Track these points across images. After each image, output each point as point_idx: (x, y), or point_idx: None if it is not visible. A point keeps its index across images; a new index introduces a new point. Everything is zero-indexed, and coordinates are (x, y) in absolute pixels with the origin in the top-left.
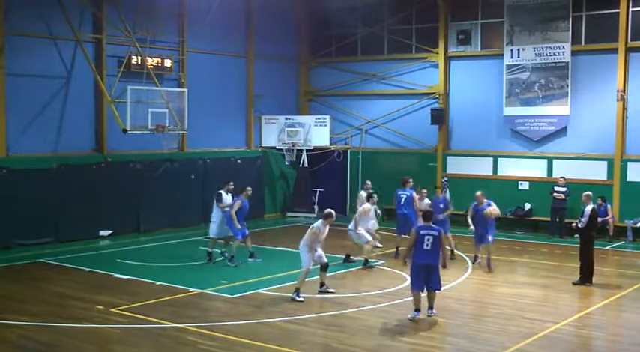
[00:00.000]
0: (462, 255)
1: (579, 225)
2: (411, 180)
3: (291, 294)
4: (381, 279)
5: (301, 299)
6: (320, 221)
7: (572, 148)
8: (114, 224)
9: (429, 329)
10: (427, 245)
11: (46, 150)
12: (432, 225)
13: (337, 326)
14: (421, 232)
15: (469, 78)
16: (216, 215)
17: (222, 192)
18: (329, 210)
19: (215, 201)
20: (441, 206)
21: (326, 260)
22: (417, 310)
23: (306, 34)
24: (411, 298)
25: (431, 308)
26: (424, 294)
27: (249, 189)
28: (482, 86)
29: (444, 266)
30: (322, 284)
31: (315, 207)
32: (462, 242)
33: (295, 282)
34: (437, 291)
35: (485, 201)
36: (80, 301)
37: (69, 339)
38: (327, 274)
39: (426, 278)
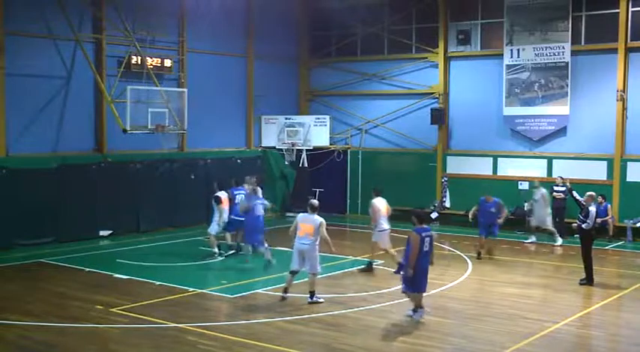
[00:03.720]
0: (462, 255)
1: (583, 226)
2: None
3: (309, 299)
4: (381, 279)
5: (322, 300)
6: (316, 215)
7: (572, 148)
8: (114, 224)
9: (429, 329)
10: (426, 246)
11: (46, 150)
12: (425, 226)
13: (337, 326)
14: (423, 234)
15: (469, 78)
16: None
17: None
18: (314, 200)
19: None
20: (492, 210)
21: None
22: (421, 307)
23: (306, 34)
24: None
25: (415, 309)
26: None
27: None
28: (482, 86)
29: (431, 263)
30: (313, 294)
31: None
32: (462, 241)
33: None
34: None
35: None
36: (80, 301)
37: (69, 339)
38: (325, 275)
39: (424, 281)
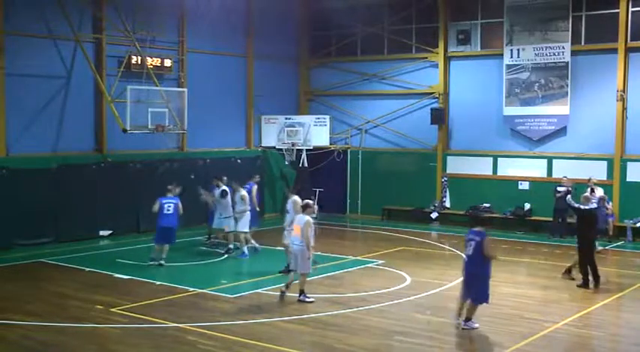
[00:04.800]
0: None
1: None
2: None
3: (298, 297)
4: (381, 279)
5: (311, 299)
6: (304, 215)
7: (572, 148)
8: (114, 224)
9: (429, 329)
10: (469, 251)
11: (46, 150)
12: (475, 229)
13: (337, 326)
14: (466, 236)
15: (469, 78)
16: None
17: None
18: (307, 200)
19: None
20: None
21: None
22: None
23: (306, 34)
24: (413, 298)
25: (468, 319)
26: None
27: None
28: (482, 86)
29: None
30: (302, 292)
31: (315, 206)
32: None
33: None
34: (476, 304)
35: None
36: (80, 301)
37: (69, 339)
38: (325, 274)
39: (468, 287)
